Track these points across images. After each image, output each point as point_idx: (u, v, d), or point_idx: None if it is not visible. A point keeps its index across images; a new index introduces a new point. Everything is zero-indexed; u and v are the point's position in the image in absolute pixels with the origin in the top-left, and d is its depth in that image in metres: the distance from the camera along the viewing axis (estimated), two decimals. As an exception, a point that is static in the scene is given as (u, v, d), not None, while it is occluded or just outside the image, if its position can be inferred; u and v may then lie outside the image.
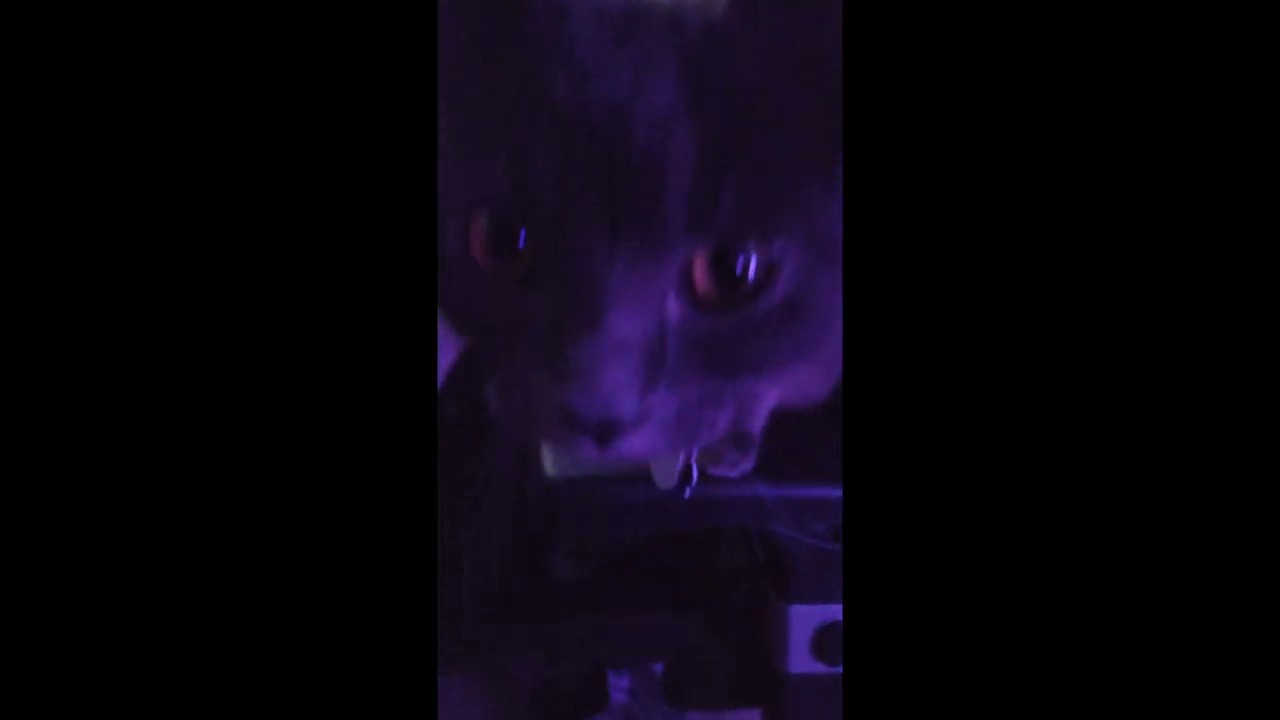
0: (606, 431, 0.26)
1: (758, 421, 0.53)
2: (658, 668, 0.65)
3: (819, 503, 0.53)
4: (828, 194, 0.27)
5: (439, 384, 0.77)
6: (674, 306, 0.27)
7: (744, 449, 0.52)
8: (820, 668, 0.55)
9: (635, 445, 0.27)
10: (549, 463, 0.52)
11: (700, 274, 0.27)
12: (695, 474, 0.43)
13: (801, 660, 0.55)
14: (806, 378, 0.58)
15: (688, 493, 0.44)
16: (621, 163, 0.24)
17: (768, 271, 0.28)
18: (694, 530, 0.60)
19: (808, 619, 0.55)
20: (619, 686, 0.66)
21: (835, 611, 0.56)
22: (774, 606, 0.56)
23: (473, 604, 0.53)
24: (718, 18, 0.26)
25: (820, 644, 0.55)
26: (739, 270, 0.27)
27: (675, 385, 0.27)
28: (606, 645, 0.56)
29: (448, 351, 0.80)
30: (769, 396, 0.54)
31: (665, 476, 0.45)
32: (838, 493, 0.53)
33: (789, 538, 0.54)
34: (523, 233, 0.26)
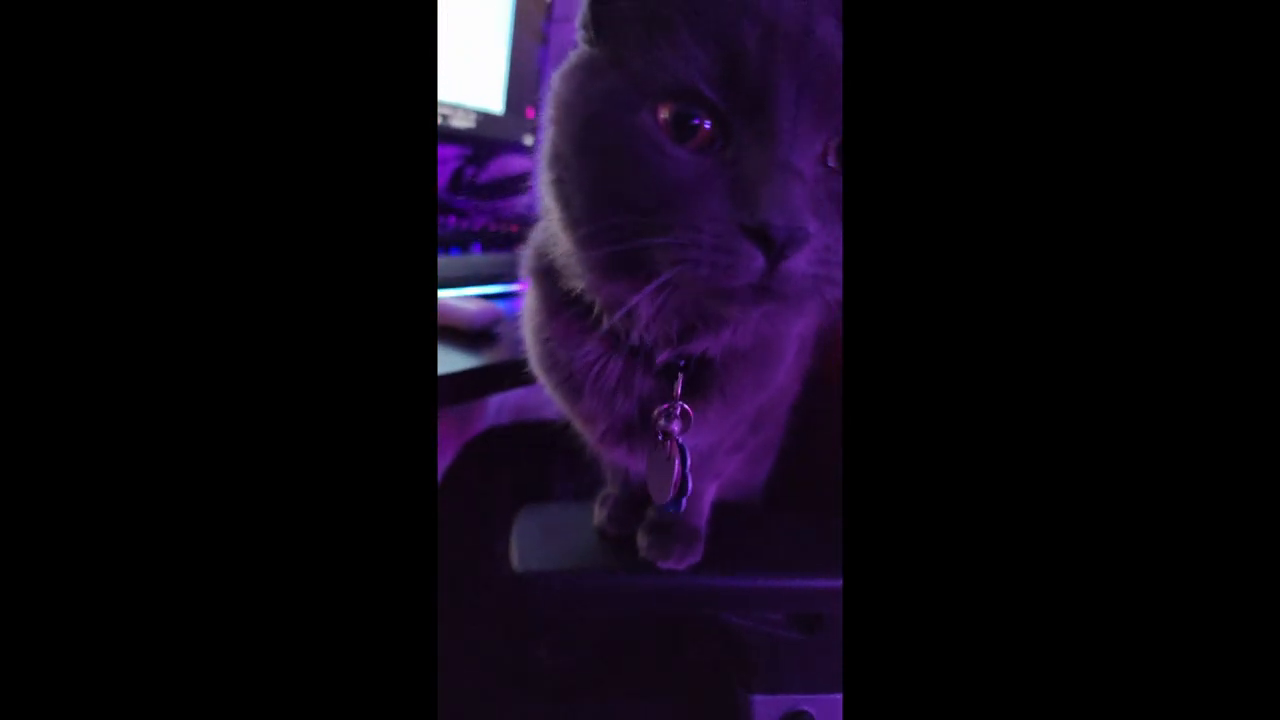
0: (792, 239, 0.34)
1: (702, 517, 0.56)
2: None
3: (773, 591, 0.55)
4: None
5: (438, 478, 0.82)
6: (817, 168, 0.37)
7: (690, 544, 0.55)
8: (786, 757, 0.56)
9: (799, 264, 0.35)
10: (515, 556, 0.57)
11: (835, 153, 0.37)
12: (690, 486, 0.47)
13: (768, 751, 0.57)
14: (741, 473, 0.61)
15: (683, 504, 0.48)
16: (805, 47, 0.34)
17: None
18: (661, 618, 0.62)
19: (771, 709, 0.57)
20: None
21: (797, 701, 0.57)
22: (737, 697, 0.57)
23: (458, 688, 0.57)
24: None
25: (784, 734, 0.56)
26: None
27: (823, 220, 0.36)
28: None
29: (447, 450, 0.87)
30: (709, 493, 0.57)
31: (660, 490, 0.48)
32: (791, 583, 0.55)
33: (747, 628, 0.56)
34: (697, 119, 0.36)
